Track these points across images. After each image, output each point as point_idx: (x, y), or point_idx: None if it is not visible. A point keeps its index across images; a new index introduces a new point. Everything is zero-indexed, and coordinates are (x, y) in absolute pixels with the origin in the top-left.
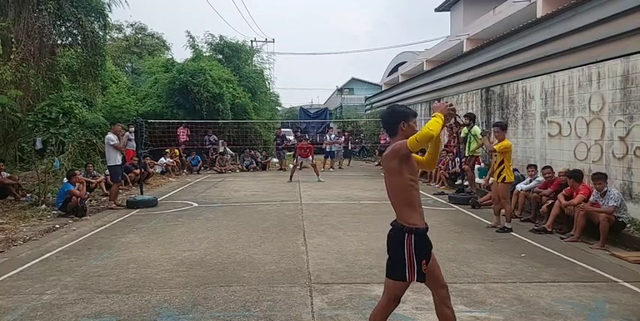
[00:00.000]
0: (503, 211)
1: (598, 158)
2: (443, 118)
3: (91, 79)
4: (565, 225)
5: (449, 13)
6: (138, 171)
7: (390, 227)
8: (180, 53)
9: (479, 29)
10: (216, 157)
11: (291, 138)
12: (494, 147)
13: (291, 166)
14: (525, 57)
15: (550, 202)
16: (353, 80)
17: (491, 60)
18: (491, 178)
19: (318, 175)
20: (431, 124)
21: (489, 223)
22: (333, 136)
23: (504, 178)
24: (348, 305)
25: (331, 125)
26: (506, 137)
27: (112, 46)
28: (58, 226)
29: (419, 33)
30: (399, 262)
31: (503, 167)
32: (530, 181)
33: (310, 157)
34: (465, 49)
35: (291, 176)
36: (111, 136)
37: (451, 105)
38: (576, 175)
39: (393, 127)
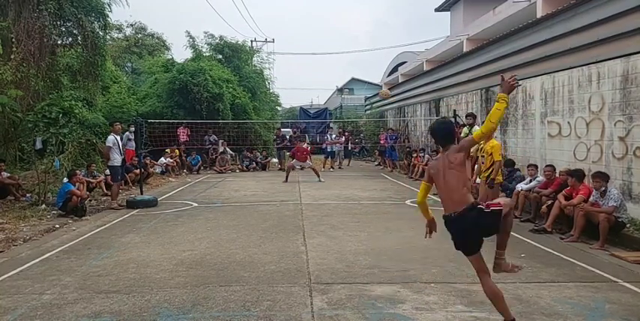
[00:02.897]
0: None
1: (598, 158)
2: (507, 98)
3: (91, 79)
4: (565, 225)
5: (449, 13)
6: (138, 171)
7: (458, 214)
8: (180, 53)
9: (479, 29)
10: (216, 157)
11: (287, 136)
12: (494, 154)
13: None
14: (525, 57)
15: (550, 202)
16: (353, 80)
17: (491, 60)
18: (478, 179)
19: (318, 175)
20: (492, 116)
21: None
22: (333, 136)
23: (494, 180)
24: (347, 305)
25: (331, 125)
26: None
27: (112, 46)
28: (57, 226)
29: (419, 33)
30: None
31: (492, 169)
32: (531, 181)
33: (309, 161)
34: (464, 49)
35: (286, 177)
36: (109, 138)
37: (512, 77)
38: (578, 175)
39: (454, 135)
